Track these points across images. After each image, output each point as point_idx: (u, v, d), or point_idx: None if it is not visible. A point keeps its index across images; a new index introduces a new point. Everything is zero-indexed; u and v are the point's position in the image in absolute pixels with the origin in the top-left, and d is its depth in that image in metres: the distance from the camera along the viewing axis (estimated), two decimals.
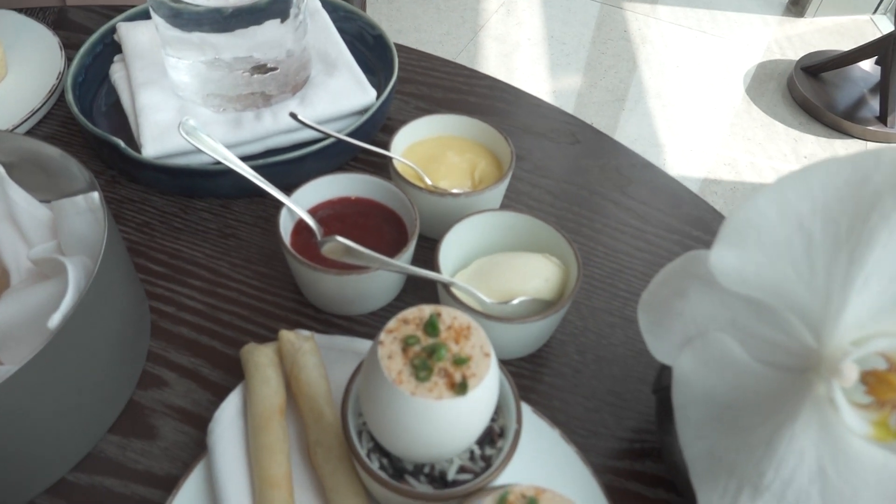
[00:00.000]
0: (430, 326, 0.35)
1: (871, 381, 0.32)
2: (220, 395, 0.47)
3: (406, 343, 0.35)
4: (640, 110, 2.15)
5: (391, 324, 0.36)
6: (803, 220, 0.33)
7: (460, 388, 0.33)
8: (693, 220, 0.61)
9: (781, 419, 0.33)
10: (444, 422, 0.34)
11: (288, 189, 0.59)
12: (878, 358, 0.32)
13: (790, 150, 2.08)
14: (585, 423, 0.47)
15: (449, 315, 0.36)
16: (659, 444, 0.46)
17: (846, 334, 0.32)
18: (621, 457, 0.46)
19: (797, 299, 0.33)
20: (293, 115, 0.53)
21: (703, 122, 2.13)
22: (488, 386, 0.35)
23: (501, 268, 0.49)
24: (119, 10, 0.79)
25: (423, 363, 0.34)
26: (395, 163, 0.55)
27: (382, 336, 0.35)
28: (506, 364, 0.50)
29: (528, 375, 0.50)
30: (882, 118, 2.09)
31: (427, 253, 0.56)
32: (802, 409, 0.32)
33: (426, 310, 0.36)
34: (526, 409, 0.45)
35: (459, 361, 0.34)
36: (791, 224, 0.33)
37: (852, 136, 2.11)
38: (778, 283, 0.34)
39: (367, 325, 0.52)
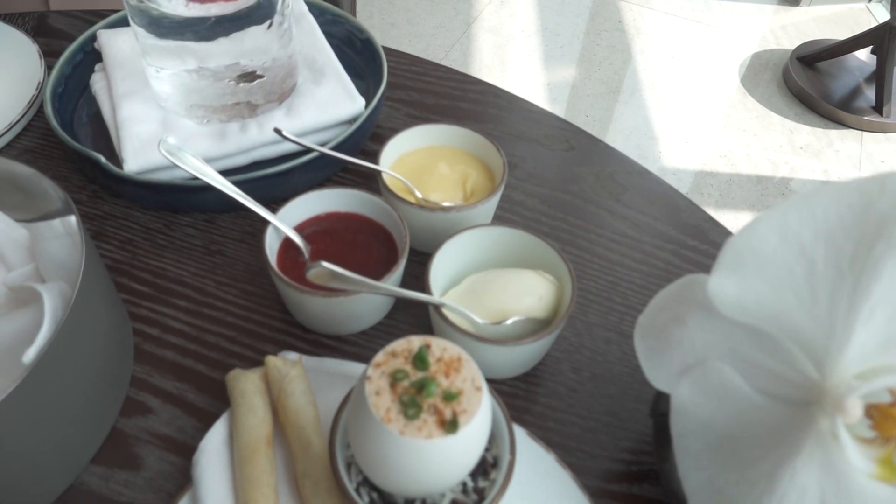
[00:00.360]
0: (419, 360, 0.34)
1: (876, 415, 0.31)
2: (206, 421, 0.46)
3: (394, 378, 0.33)
4: (634, 102, 2.13)
5: (379, 357, 0.34)
6: (805, 246, 0.32)
7: (451, 425, 0.32)
8: (690, 229, 0.60)
9: (783, 453, 0.32)
10: (435, 460, 0.32)
11: (275, 203, 0.58)
12: (883, 390, 0.31)
13: (786, 140, 2.07)
14: (581, 445, 0.46)
15: (439, 346, 0.35)
16: (657, 467, 0.45)
17: (850, 367, 0.31)
18: (619, 480, 0.45)
19: (799, 329, 0.32)
20: (277, 131, 0.51)
21: (699, 113, 2.12)
22: (480, 421, 0.33)
23: (494, 286, 0.48)
24: (103, 15, 0.77)
25: (412, 400, 0.33)
26: (385, 176, 0.53)
27: (370, 371, 0.34)
28: (499, 383, 0.49)
29: (521, 395, 0.48)
30: (878, 108, 2.08)
31: (418, 267, 0.55)
32: (805, 443, 0.31)
33: (415, 342, 0.35)
34: (520, 433, 0.44)
35: (450, 397, 0.33)
36: (793, 251, 0.32)
37: (848, 127, 2.10)
38: (779, 312, 0.32)
39: (358, 344, 0.50)
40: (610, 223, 0.60)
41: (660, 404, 0.41)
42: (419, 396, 0.33)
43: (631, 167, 0.64)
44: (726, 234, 0.59)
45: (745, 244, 0.33)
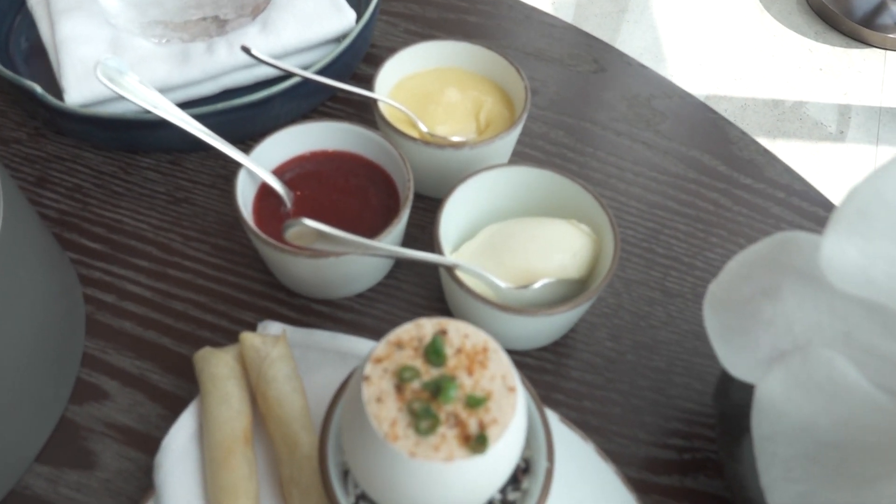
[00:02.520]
0: (433, 352, 0.26)
1: None
2: (174, 408, 0.38)
3: (401, 378, 0.25)
4: (644, 21, 2.00)
5: (380, 349, 0.26)
6: None
7: (477, 442, 0.24)
8: (742, 164, 0.51)
9: None
10: (456, 486, 0.25)
11: (251, 140, 0.49)
12: None
13: (805, 61, 1.95)
14: (623, 429, 0.39)
15: (458, 333, 0.27)
16: (719, 459, 0.38)
17: None
18: (668, 471, 0.38)
19: None
20: (246, 50, 0.41)
21: (712, 33, 1.99)
22: (514, 434, 0.26)
23: (518, 240, 0.39)
24: None
25: (426, 409, 0.25)
26: (381, 106, 0.44)
27: (368, 368, 0.26)
28: (522, 355, 0.41)
29: (551, 370, 0.41)
30: None
31: (424, 215, 0.46)
32: None
33: (426, 327, 0.27)
34: (552, 418, 0.36)
35: (475, 402, 0.25)
36: None
37: (871, 45, 1.98)
38: None
39: (353, 310, 0.42)
40: (648, 158, 0.51)
41: (730, 391, 0.33)
42: (434, 403, 0.25)
43: (670, 90, 0.55)
44: (785, 169, 0.50)
45: (874, 194, 0.24)
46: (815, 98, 1.86)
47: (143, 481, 0.36)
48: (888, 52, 1.97)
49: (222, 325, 0.41)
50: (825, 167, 1.68)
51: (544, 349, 0.41)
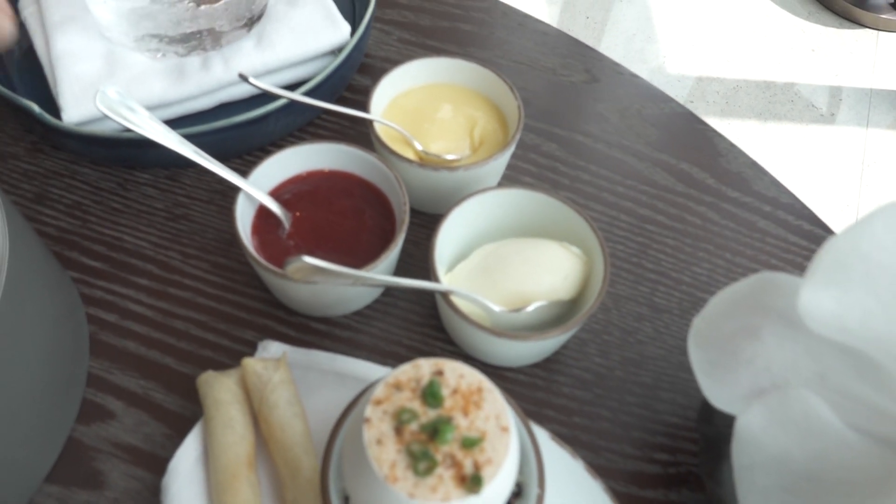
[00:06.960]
0: (431, 395, 0.27)
1: None
2: (177, 427, 0.39)
3: (400, 420, 0.27)
4: (637, 2, 1.99)
5: (379, 391, 0.27)
6: None
7: (473, 482, 0.26)
8: (730, 177, 0.52)
9: None
10: None
11: (248, 154, 0.49)
12: None
13: (797, 41, 1.95)
14: (611, 444, 0.40)
15: (454, 373, 0.28)
16: (699, 472, 0.40)
17: None
18: (654, 485, 0.39)
19: None
20: (244, 78, 0.42)
21: (705, 13, 1.98)
22: (507, 472, 0.27)
23: (510, 262, 0.40)
24: None
25: (424, 451, 0.26)
26: (377, 126, 0.45)
27: (369, 411, 0.27)
28: (515, 372, 0.42)
29: (542, 386, 0.42)
30: None
31: (419, 231, 0.47)
32: None
33: (424, 368, 0.28)
34: (542, 436, 0.38)
35: (470, 443, 0.26)
36: None
37: (863, 26, 1.98)
38: (894, 334, 0.25)
39: (350, 328, 0.43)
40: (639, 171, 0.52)
41: (713, 418, 0.35)
42: (432, 445, 0.26)
43: (661, 100, 0.55)
44: (772, 183, 0.51)
45: (851, 247, 0.26)
46: (806, 79, 1.86)
47: (151, 500, 0.37)
48: (880, 32, 1.97)
49: (223, 345, 0.42)
50: (815, 150, 1.69)
51: (536, 365, 0.43)
